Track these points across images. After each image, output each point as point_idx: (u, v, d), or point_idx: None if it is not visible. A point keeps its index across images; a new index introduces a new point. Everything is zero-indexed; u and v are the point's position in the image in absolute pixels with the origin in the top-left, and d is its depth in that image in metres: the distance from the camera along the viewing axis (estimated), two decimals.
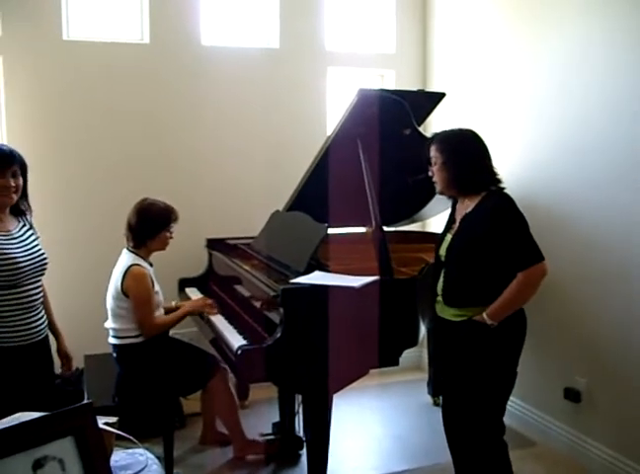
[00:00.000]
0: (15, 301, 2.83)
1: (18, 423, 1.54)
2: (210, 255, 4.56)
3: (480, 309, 2.89)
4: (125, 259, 3.71)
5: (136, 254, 3.73)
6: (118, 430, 1.85)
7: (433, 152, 3.04)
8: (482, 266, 2.88)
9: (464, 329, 2.96)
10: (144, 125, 4.82)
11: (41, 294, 3.00)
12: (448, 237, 3.06)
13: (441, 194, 3.12)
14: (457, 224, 3.03)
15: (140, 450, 2.05)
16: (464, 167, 2.96)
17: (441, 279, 3.06)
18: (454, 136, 3.04)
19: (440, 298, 3.08)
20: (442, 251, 3.07)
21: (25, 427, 1.51)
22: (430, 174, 3.10)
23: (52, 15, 4.54)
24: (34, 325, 2.92)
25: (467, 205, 2.99)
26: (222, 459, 3.97)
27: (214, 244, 4.54)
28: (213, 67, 4.92)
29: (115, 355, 3.76)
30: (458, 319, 3.00)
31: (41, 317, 2.99)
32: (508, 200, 2.90)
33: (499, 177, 3.00)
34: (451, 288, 3.01)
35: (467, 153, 2.98)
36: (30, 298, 2.89)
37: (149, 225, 3.73)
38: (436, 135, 3.10)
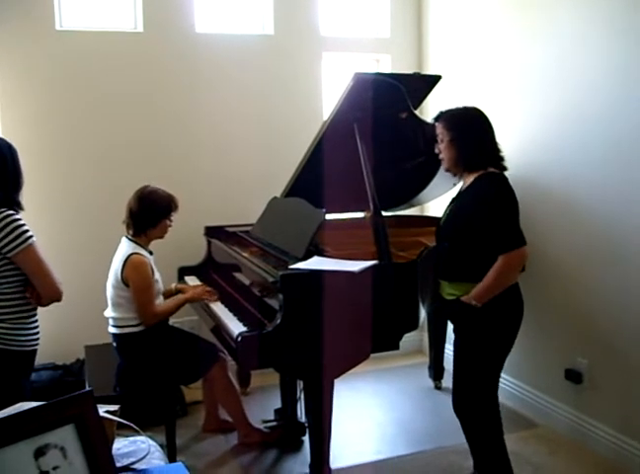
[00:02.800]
0: (27, 300, 2.86)
1: (19, 411, 1.54)
2: (209, 243, 4.55)
3: (466, 285, 2.98)
4: (125, 247, 3.70)
5: (136, 242, 3.72)
6: (119, 418, 1.86)
7: (439, 129, 3.09)
8: (469, 243, 2.96)
9: (456, 308, 3.04)
10: (140, 114, 4.80)
11: None
12: (447, 212, 3.16)
13: (447, 171, 3.17)
14: (454, 201, 3.14)
15: (142, 438, 2.05)
16: (471, 144, 3.02)
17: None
18: (461, 114, 3.10)
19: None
20: (441, 225, 3.16)
21: (26, 415, 1.51)
22: (436, 151, 3.15)
23: (45, 4, 4.51)
24: (38, 328, 2.97)
25: (466, 183, 3.08)
26: (225, 446, 3.98)
27: (213, 232, 4.53)
28: (208, 55, 4.90)
29: (115, 344, 3.76)
30: (451, 298, 3.08)
31: None
32: (499, 183, 2.96)
33: (502, 154, 3.07)
34: (443, 262, 3.11)
35: (474, 130, 3.04)
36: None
37: (151, 213, 3.72)
38: (441, 113, 3.14)
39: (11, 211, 2.75)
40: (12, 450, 1.46)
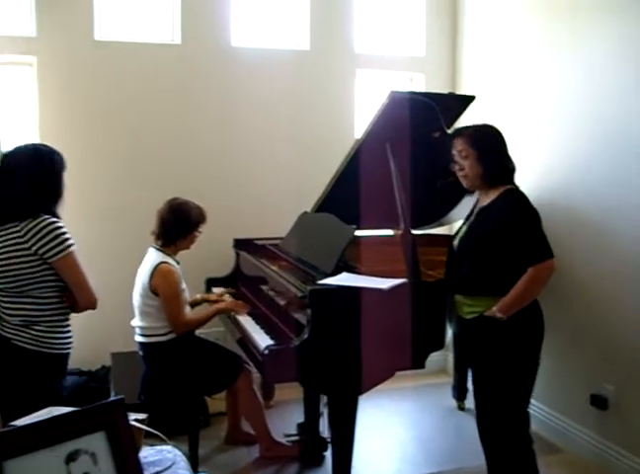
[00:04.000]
0: (64, 304, 2.92)
1: (52, 416, 1.56)
2: (238, 255, 4.57)
3: (489, 300, 2.99)
4: (154, 257, 3.73)
5: (164, 252, 3.76)
6: (147, 427, 1.87)
7: (462, 146, 3.10)
8: (492, 258, 2.98)
9: (478, 326, 3.05)
10: (174, 125, 4.86)
11: None
12: (464, 229, 3.18)
13: (469, 187, 3.18)
14: (473, 217, 3.15)
15: (168, 447, 2.06)
16: (496, 160, 3.06)
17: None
18: (484, 131, 3.15)
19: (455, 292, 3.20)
20: (456, 241, 3.19)
21: (58, 420, 1.53)
22: (456, 168, 3.15)
23: (85, 16, 4.60)
24: (71, 332, 3.02)
25: (485, 199, 3.10)
26: (247, 459, 3.99)
27: (242, 244, 4.54)
28: (243, 68, 4.95)
29: (141, 353, 3.78)
30: (471, 316, 3.09)
31: None
32: (523, 199, 3.01)
33: (515, 169, 3.12)
34: (463, 278, 3.11)
35: (497, 146, 3.10)
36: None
37: (182, 225, 3.76)
38: (461, 130, 3.19)
39: (54, 218, 2.81)
40: (44, 455, 1.49)
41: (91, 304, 2.91)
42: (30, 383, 2.82)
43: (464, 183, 3.17)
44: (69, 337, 2.95)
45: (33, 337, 2.80)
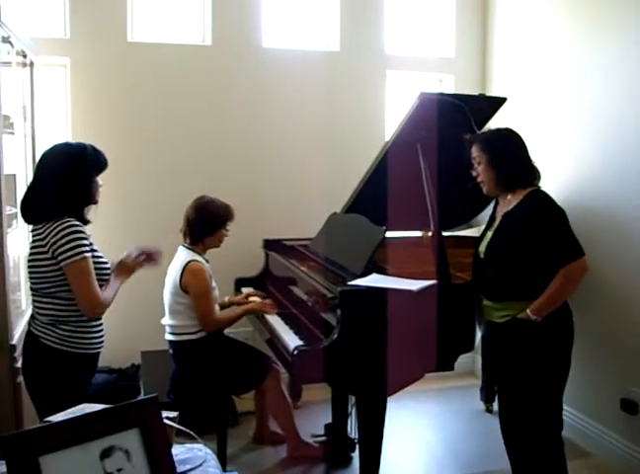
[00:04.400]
0: None
1: (87, 413, 1.58)
2: (267, 255, 4.58)
3: (520, 304, 2.97)
4: (183, 255, 3.77)
5: (193, 250, 3.79)
6: (178, 425, 1.89)
7: (476, 152, 3.14)
8: (522, 262, 2.97)
9: (511, 330, 3.03)
10: (205, 127, 4.89)
11: None
12: (489, 234, 3.16)
13: (488, 193, 3.19)
14: (498, 222, 3.13)
15: (199, 445, 2.08)
16: (509, 164, 3.06)
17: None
18: (495, 135, 3.17)
19: (483, 297, 3.18)
20: (482, 248, 3.17)
21: (93, 417, 1.56)
22: (474, 174, 3.18)
23: (118, 17, 4.65)
24: (103, 331, 3.02)
25: (509, 203, 3.09)
26: (275, 458, 4.00)
27: (271, 245, 4.56)
28: (274, 69, 4.97)
29: (171, 351, 3.81)
30: (503, 320, 3.07)
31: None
32: (548, 199, 3.01)
33: (539, 173, 3.10)
34: (492, 284, 3.10)
35: (510, 150, 3.09)
36: None
37: (208, 222, 3.79)
38: (476, 136, 3.23)
39: (75, 222, 2.78)
40: (79, 450, 1.51)
41: (88, 314, 2.84)
42: (56, 381, 2.84)
43: (483, 189, 3.18)
44: (97, 337, 2.95)
45: (59, 336, 2.82)
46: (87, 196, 2.91)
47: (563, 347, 3.02)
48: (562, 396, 3.07)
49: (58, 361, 2.84)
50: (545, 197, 3.01)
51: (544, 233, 2.90)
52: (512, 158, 3.06)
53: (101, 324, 2.98)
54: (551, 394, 3.03)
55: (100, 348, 2.99)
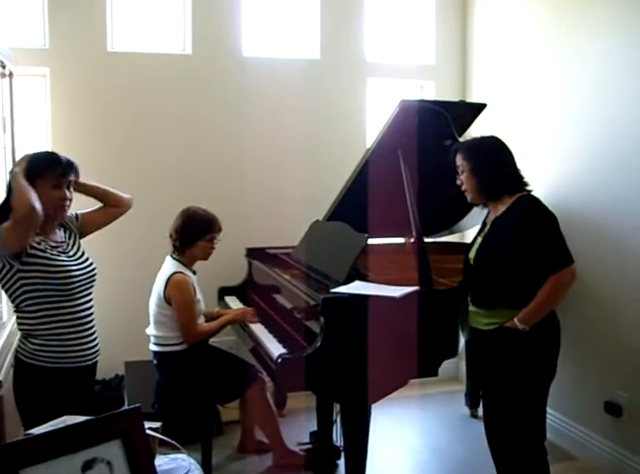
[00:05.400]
0: (70, 316, 2.84)
1: (68, 424, 1.57)
2: (250, 264, 4.57)
3: (508, 312, 2.96)
4: (169, 266, 3.76)
5: (179, 261, 3.78)
6: (161, 435, 1.88)
7: (459, 161, 3.13)
8: (510, 268, 2.95)
9: (497, 338, 3.01)
10: (186, 136, 4.89)
11: (93, 309, 2.99)
12: (479, 240, 3.15)
13: (472, 201, 3.19)
14: (488, 228, 3.12)
15: (183, 456, 2.06)
16: (491, 172, 3.04)
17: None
18: (478, 143, 3.15)
19: (470, 303, 3.17)
20: (472, 254, 3.15)
21: (74, 429, 1.54)
22: (458, 182, 3.17)
23: (97, 27, 4.64)
24: (88, 345, 2.93)
25: (498, 210, 3.07)
26: (260, 467, 3.99)
27: (254, 253, 4.55)
28: (254, 78, 4.97)
29: (155, 361, 3.80)
30: (490, 327, 3.05)
31: (96, 338, 2.99)
32: (538, 204, 2.98)
33: (526, 180, 3.08)
34: (480, 290, 3.10)
35: (493, 158, 3.07)
36: (84, 312, 2.90)
37: (188, 233, 3.78)
38: (460, 144, 3.21)
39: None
40: (60, 463, 1.49)
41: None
42: (33, 396, 2.81)
43: (467, 197, 3.17)
44: (74, 351, 2.86)
45: (30, 350, 2.79)
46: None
47: (549, 357, 3.01)
48: (545, 404, 3.06)
49: (30, 376, 2.82)
50: (535, 202, 2.98)
51: (533, 238, 2.87)
52: (494, 166, 3.04)
53: (81, 338, 2.89)
54: (535, 402, 3.02)
55: (80, 363, 2.89)
